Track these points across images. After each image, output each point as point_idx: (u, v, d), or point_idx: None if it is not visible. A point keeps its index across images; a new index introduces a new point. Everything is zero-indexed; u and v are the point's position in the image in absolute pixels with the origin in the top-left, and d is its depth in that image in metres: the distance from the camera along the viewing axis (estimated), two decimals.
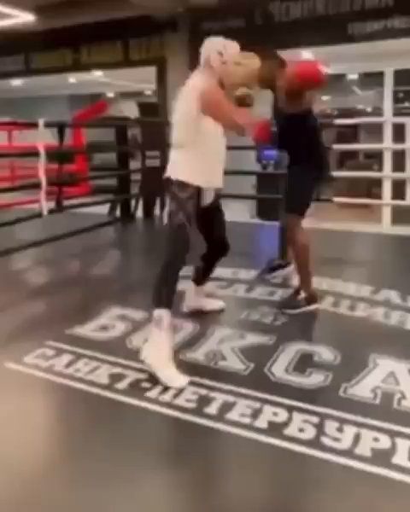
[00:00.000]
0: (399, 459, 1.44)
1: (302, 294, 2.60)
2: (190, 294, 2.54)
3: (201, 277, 2.53)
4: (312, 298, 2.57)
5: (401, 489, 1.35)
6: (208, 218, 2.29)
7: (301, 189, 2.56)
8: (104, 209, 5.14)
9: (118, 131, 5.10)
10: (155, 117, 5.30)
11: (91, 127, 5.43)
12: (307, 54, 6.38)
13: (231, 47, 2.15)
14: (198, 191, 2.13)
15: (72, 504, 1.32)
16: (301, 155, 2.53)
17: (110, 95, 9.90)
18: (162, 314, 1.96)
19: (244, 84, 2.09)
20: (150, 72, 6.32)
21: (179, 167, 2.12)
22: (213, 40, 2.17)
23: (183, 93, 2.07)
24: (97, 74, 7.61)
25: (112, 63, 6.73)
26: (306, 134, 2.48)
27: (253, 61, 2.12)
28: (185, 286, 2.49)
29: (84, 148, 5.05)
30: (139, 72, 6.85)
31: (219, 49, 2.12)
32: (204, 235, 2.36)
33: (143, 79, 7.70)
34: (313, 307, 2.56)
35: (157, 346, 1.93)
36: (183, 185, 2.09)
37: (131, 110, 7.91)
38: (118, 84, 8.43)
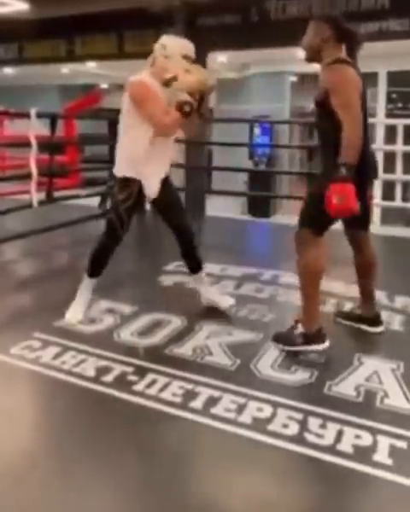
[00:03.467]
0: (379, 456, 1.47)
1: (300, 329, 2.08)
2: (201, 289, 2.56)
3: (193, 267, 2.52)
4: (313, 337, 2.04)
5: (380, 485, 1.37)
6: (162, 207, 2.38)
7: (321, 198, 1.93)
8: (95, 201, 5.11)
9: (111, 124, 5.05)
10: None
11: (84, 119, 5.39)
12: (301, 52, 6.40)
13: (179, 44, 2.18)
14: (139, 185, 2.23)
15: (53, 498, 1.32)
16: (330, 154, 1.95)
17: (104, 86, 9.81)
18: (89, 282, 2.41)
19: (189, 93, 2.10)
20: (145, 64, 6.28)
21: (117, 164, 2.28)
22: (164, 36, 2.22)
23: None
24: (91, 65, 7.54)
25: (106, 55, 6.67)
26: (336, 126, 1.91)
27: (200, 73, 2.12)
28: (193, 283, 2.59)
29: (76, 139, 5.00)
30: (134, 64, 6.79)
31: (163, 42, 2.18)
32: (167, 225, 2.42)
33: (137, 71, 7.65)
34: (313, 348, 2.04)
35: (78, 299, 2.40)
36: (123, 182, 2.24)
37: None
38: (112, 75, 8.35)
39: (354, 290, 2.41)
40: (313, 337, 2.04)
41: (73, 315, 2.36)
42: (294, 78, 8.20)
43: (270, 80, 8.06)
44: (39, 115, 3.61)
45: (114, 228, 2.28)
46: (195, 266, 2.52)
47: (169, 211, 2.39)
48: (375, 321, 2.30)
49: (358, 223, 2.18)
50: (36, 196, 3.58)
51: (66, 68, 8.06)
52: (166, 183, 2.34)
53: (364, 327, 2.31)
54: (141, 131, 2.16)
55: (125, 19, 6.14)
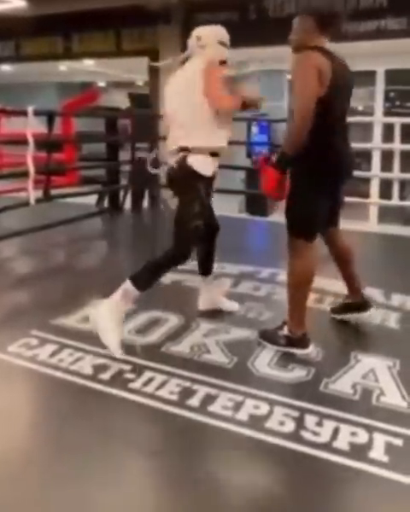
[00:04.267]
0: (375, 453, 1.47)
1: (285, 331, 2.07)
2: (204, 294, 2.50)
3: (205, 266, 2.45)
4: (296, 341, 2.03)
5: (376, 482, 1.38)
6: None
7: (303, 202, 1.94)
8: (92, 200, 5.11)
9: (108, 122, 5.04)
10: (146, 108, 5.25)
11: (81, 116, 5.38)
12: None
13: (214, 31, 2.18)
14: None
15: (51, 497, 1.32)
16: (306, 150, 1.86)
17: (101, 84, 9.78)
18: (134, 292, 2.03)
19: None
20: (142, 62, 6.26)
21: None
22: (196, 28, 2.21)
23: (185, 80, 2.10)
24: (88, 63, 7.51)
25: (104, 52, 6.65)
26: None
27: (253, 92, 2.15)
28: (198, 285, 2.55)
29: (74, 137, 4.99)
30: (131, 62, 6.78)
31: (197, 34, 2.18)
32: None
33: (134, 69, 7.62)
34: (295, 351, 2.03)
35: (112, 311, 1.99)
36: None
37: (122, 100, 7.83)
38: (109, 73, 8.33)
39: None
40: (296, 341, 2.04)
41: (115, 345, 1.97)
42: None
43: (268, 78, 8.05)
44: (37, 113, 3.60)
45: (198, 226, 2.08)
46: (207, 268, 2.46)
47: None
48: (364, 305, 2.33)
49: (328, 221, 2.18)
50: (33, 194, 3.58)
51: (63, 66, 8.03)
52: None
53: (356, 315, 2.33)
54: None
55: (123, 16, 6.12)
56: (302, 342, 2.04)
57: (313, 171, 1.94)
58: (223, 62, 2.15)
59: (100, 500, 1.31)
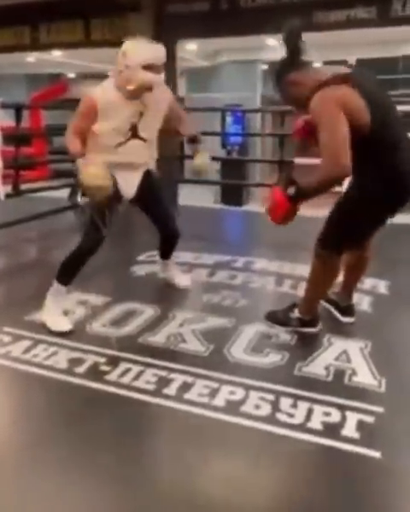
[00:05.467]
0: (347, 431, 1.51)
1: (296, 313, 2.14)
2: (162, 267, 2.73)
3: (165, 255, 2.66)
4: (308, 322, 2.13)
5: (349, 458, 1.42)
6: (146, 208, 2.40)
7: (354, 224, 1.87)
8: (65, 194, 5.03)
9: None
10: None
11: (51, 109, 5.27)
12: (271, 40, 6.39)
13: (140, 52, 1.98)
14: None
15: (27, 489, 1.32)
16: (360, 166, 1.73)
17: (71, 75, 9.59)
18: (61, 289, 2.23)
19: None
20: (113, 52, 6.16)
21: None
22: (128, 41, 2.03)
23: None
24: (57, 54, 7.34)
25: (72, 43, 6.49)
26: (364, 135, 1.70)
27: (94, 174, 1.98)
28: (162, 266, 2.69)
29: (43, 130, 4.89)
30: (102, 53, 6.64)
31: (124, 49, 2.01)
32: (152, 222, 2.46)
33: (105, 60, 7.48)
34: (307, 330, 2.12)
35: (52, 306, 2.22)
36: None
37: None
38: (79, 64, 8.16)
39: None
40: (307, 322, 2.14)
41: (60, 322, 2.18)
42: (265, 67, 8.19)
43: (241, 69, 8.03)
44: (4, 105, 3.51)
45: (94, 228, 2.25)
46: (167, 255, 2.64)
47: (154, 214, 2.43)
48: (347, 311, 2.32)
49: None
50: (2, 189, 3.50)
51: (31, 57, 7.82)
52: (147, 178, 2.32)
53: (336, 313, 2.34)
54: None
55: (92, 6, 5.98)
56: (312, 323, 2.14)
57: (375, 197, 1.80)
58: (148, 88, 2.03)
59: (78, 492, 1.31)
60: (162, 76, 2.08)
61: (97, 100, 2.05)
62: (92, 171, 1.96)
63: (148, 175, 2.33)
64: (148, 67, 1.99)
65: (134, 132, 2.14)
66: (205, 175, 2.43)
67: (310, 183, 1.78)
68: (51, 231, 4.07)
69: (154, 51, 2.03)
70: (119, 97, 2.08)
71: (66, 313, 2.34)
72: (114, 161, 2.14)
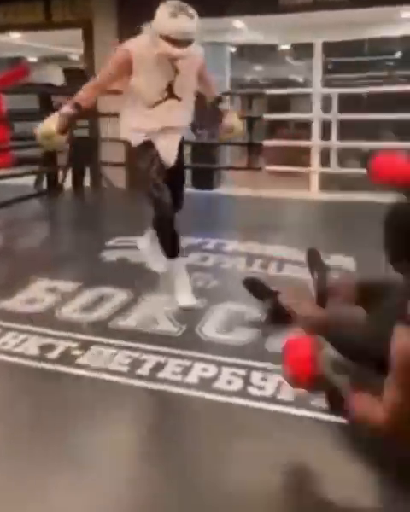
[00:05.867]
0: (316, 401, 1.56)
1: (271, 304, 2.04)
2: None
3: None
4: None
5: (314, 427, 1.47)
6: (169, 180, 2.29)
7: None
8: (30, 181, 4.91)
9: (42, 99, 4.80)
10: (82, 83, 5.02)
11: (12, 93, 5.10)
12: (239, 22, 6.31)
13: (163, 23, 1.97)
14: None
15: (4, 479, 1.31)
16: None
17: (33, 59, 9.24)
18: (175, 263, 2.27)
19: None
20: (77, 35, 5.95)
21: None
22: (164, 4, 2.01)
23: None
24: (16, 36, 7.05)
25: (32, 25, 6.23)
26: None
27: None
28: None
29: (4, 115, 4.73)
30: (64, 35, 6.41)
31: (157, 11, 2.00)
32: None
33: (68, 43, 7.24)
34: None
35: (180, 283, 2.27)
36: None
37: (56, 76, 7.43)
38: (40, 47, 7.87)
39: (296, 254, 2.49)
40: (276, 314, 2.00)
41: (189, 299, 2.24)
42: (233, 50, 8.10)
43: (209, 51, 7.89)
44: None
45: (155, 197, 2.20)
46: None
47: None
48: None
49: None
50: None
51: None
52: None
53: None
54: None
55: None
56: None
57: None
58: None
59: (51, 480, 1.30)
60: (186, 50, 2.03)
61: (133, 53, 2.05)
62: (47, 123, 2.08)
63: (181, 146, 2.31)
64: (167, 39, 1.97)
65: (170, 91, 2.14)
66: (240, 134, 2.38)
67: (361, 405, 1.26)
68: (17, 219, 3.98)
69: (173, 24, 1.96)
70: (153, 54, 2.05)
71: (33, 301, 2.31)
72: (153, 128, 2.15)
